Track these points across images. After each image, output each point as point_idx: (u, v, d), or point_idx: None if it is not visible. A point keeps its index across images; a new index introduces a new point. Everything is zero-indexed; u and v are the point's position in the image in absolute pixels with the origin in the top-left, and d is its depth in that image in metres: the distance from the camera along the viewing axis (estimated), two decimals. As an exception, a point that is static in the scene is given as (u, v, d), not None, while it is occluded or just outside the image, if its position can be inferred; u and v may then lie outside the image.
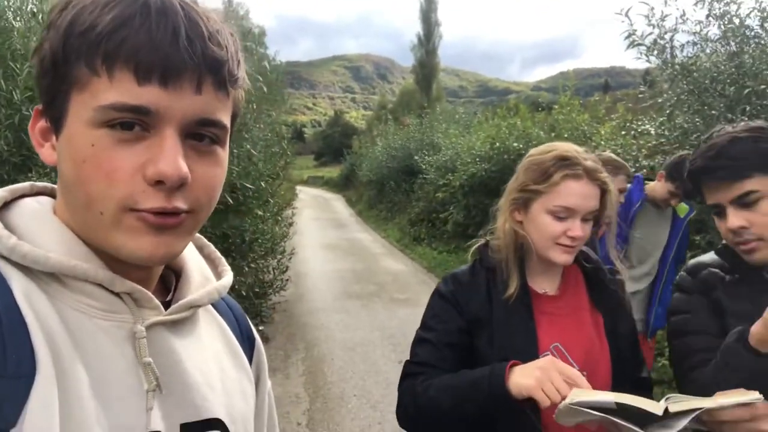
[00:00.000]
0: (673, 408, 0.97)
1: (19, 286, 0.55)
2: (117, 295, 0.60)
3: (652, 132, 5.30)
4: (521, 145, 9.03)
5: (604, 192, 1.28)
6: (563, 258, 1.28)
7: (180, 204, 0.57)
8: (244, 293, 4.88)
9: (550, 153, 1.29)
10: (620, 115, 7.41)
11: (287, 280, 6.68)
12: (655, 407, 0.97)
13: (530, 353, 1.23)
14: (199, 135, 0.58)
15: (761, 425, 0.98)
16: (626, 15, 4.43)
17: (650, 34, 4.42)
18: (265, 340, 5.97)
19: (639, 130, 6.14)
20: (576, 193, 1.25)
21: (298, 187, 34.41)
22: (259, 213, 4.90)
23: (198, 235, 0.76)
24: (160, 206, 0.55)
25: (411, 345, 1.36)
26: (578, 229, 1.25)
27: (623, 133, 6.70)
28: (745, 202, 1.19)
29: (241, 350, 0.76)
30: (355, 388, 4.68)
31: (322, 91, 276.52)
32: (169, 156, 0.54)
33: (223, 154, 0.62)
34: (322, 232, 14.63)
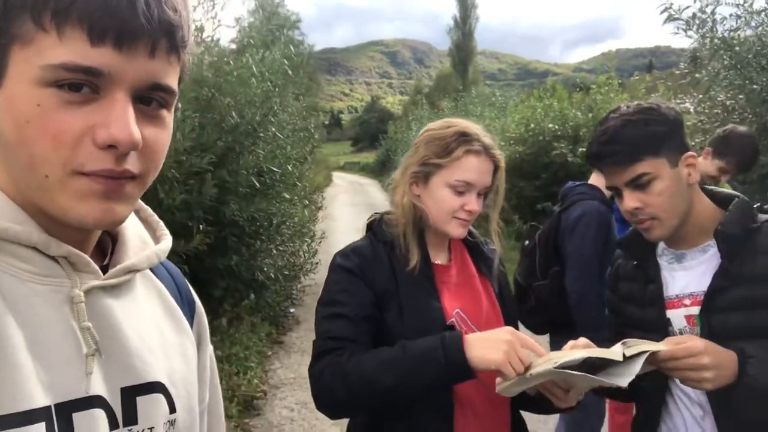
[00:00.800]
0: (628, 352, 1.06)
1: None
2: (53, 259, 0.58)
3: (692, 110, 5.08)
4: (557, 126, 8.83)
5: (496, 168, 1.34)
6: (459, 231, 1.32)
7: (130, 167, 0.56)
8: (272, 275, 4.94)
9: (451, 128, 1.32)
10: (660, 94, 7.14)
11: (317, 263, 6.74)
12: (616, 354, 1.05)
13: (439, 322, 1.26)
14: (147, 99, 0.57)
15: (700, 360, 1.09)
16: (664, -14, 4.23)
17: (688, 7, 4.22)
18: (296, 321, 6.05)
19: (678, 109, 5.90)
20: (475, 168, 1.29)
21: (335, 173, 34.68)
22: (287, 196, 4.94)
23: None
24: (108, 168, 0.54)
25: (316, 324, 1.30)
26: (474, 203, 1.30)
27: (661, 111, 6.43)
28: (639, 183, 1.26)
29: (182, 314, 0.74)
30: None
31: (359, 77, 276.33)
32: (122, 120, 0.53)
33: (169, 117, 0.61)
34: (357, 217, 14.62)
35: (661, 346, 1.11)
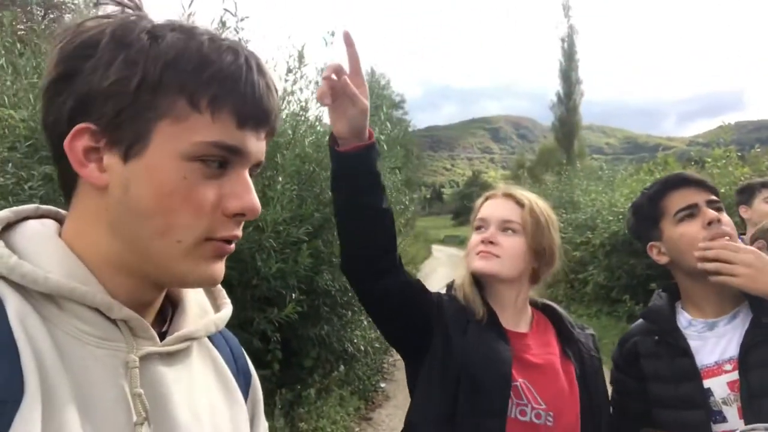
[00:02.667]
0: None
1: (14, 307, 0.54)
2: (113, 322, 0.59)
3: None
4: (669, 202, 8.29)
5: (522, 206, 1.38)
6: (478, 264, 1.35)
7: (240, 233, 0.63)
8: (363, 348, 4.91)
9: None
10: (787, 168, 6.53)
11: (410, 337, 6.63)
12: None
13: (506, 374, 1.24)
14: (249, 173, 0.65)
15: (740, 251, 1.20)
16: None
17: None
18: (385, 397, 5.90)
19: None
20: (488, 206, 1.42)
21: (435, 246, 34.75)
22: (380, 268, 4.96)
23: None
24: (233, 235, 0.62)
25: None
26: (489, 233, 1.36)
27: (789, 186, 5.87)
28: (716, 207, 1.33)
29: (236, 386, 0.73)
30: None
31: (460, 152, 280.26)
32: (250, 192, 0.61)
33: None
34: (454, 292, 14.38)
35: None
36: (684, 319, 1.38)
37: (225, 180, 0.60)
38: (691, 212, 1.33)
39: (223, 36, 0.62)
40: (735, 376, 1.25)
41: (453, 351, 1.26)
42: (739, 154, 8.34)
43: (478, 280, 1.38)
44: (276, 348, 3.78)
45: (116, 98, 0.56)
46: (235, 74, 0.59)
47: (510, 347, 1.28)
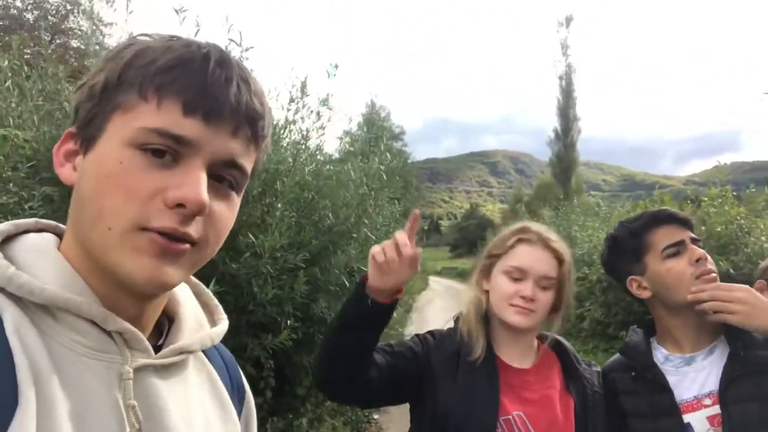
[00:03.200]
0: None
1: (11, 318, 0.55)
2: (108, 334, 0.60)
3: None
4: (665, 239, 8.33)
5: (561, 262, 1.38)
6: (516, 318, 1.34)
7: (192, 231, 0.58)
8: (357, 378, 4.85)
9: (513, 227, 1.44)
10: (783, 208, 6.59)
11: (405, 369, 6.56)
12: None
13: (491, 410, 1.26)
14: (220, 177, 0.61)
15: (734, 290, 1.24)
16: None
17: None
18: (378, 429, 5.82)
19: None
20: (527, 254, 1.37)
21: (432, 278, 34.61)
22: (376, 297, 4.94)
23: (196, 281, 0.76)
24: (172, 226, 0.57)
25: None
26: (530, 290, 1.33)
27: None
28: (697, 244, 1.36)
29: (230, 402, 0.73)
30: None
31: (458, 185, 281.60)
32: (194, 182, 0.57)
33: (237, 201, 0.65)
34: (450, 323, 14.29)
35: None
36: (660, 354, 1.39)
37: (172, 172, 0.58)
38: (678, 249, 1.35)
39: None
40: (715, 410, 1.26)
41: (438, 402, 1.28)
42: (735, 193, 8.42)
43: (487, 317, 1.40)
44: (269, 375, 3.74)
45: (88, 102, 0.60)
46: (186, 63, 0.58)
47: (498, 386, 1.30)
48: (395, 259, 1.14)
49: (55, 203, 2.80)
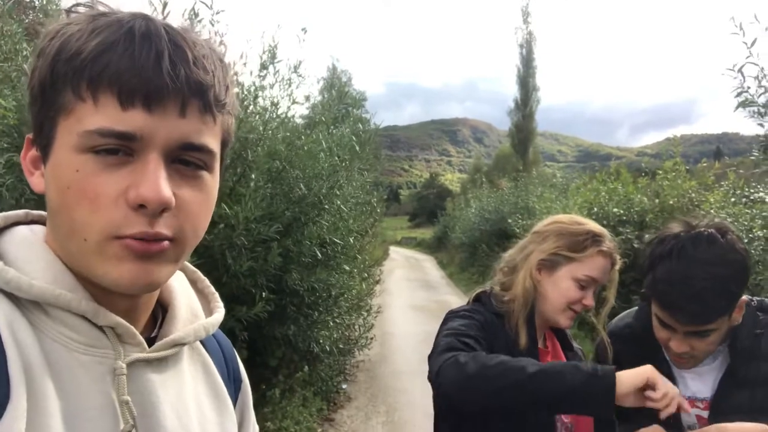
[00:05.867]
0: None
1: (3, 312, 0.54)
2: (100, 328, 0.58)
3: (767, 200, 4.85)
4: (622, 211, 8.59)
5: (613, 266, 1.41)
6: (568, 323, 1.40)
7: (162, 230, 0.55)
8: (328, 348, 4.89)
9: (583, 227, 1.41)
10: (730, 182, 6.88)
11: (372, 338, 6.64)
12: None
13: None
14: (185, 160, 0.57)
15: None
16: (739, 71, 4.16)
17: (764, 93, 4.12)
18: (347, 398, 5.90)
19: (752, 197, 5.65)
20: (602, 267, 1.38)
21: (392, 248, 34.90)
22: (347, 268, 4.96)
23: (193, 268, 0.74)
24: (142, 231, 0.54)
25: (442, 338, 1.27)
26: (590, 299, 1.38)
27: (733, 200, 6.21)
28: (699, 335, 1.25)
29: (226, 392, 0.72)
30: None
31: (418, 153, 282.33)
32: (151, 179, 0.54)
33: (212, 181, 0.61)
34: (412, 293, 14.54)
35: None
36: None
37: (130, 168, 0.54)
38: (667, 326, 1.30)
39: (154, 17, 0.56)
40: (704, 414, 1.31)
41: None
42: (687, 167, 8.71)
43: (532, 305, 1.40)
44: (242, 347, 3.73)
45: (34, 106, 0.57)
46: (111, 48, 0.53)
47: None
48: (663, 409, 1.09)
49: (20, 170, 2.66)
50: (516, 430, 1.27)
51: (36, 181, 0.60)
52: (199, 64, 0.56)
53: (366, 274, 6.56)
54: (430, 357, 1.27)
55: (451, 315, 1.37)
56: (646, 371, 1.09)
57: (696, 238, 1.22)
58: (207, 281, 0.76)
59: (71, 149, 0.54)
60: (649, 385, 1.09)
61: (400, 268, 22.12)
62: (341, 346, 5.61)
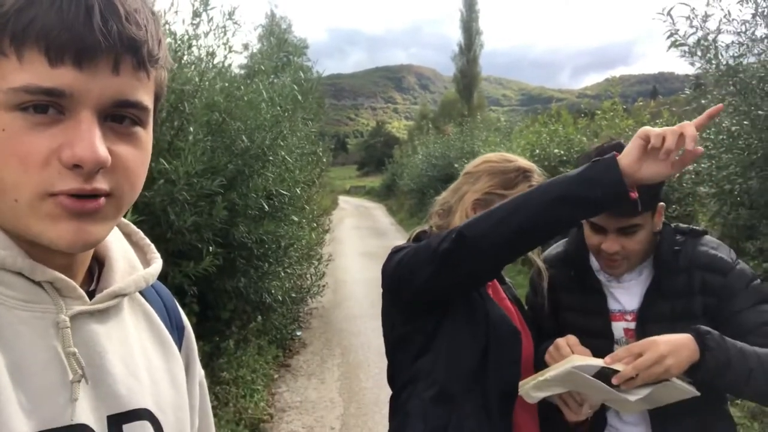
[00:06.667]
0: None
1: None
2: (38, 284, 0.58)
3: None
4: (562, 152, 8.87)
5: None
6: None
7: (100, 185, 0.55)
8: (280, 298, 4.95)
9: (512, 164, 1.44)
10: (665, 120, 7.19)
11: (324, 286, 6.74)
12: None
13: (513, 322, 1.39)
14: (119, 116, 0.56)
15: (655, 351, 1.18)
16: (668, 14, 4.29)
17: (693, 33, 4.28)
18: (302, 345, 6.03)
19: (683, 133, 5.93)
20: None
21: (341, 197, 34.91)
22: (295, 219, 4.97)
23: (125, 221, 0.74)
24: (77, 188, 0.53)
25: (411, 263, 1.30)
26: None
27: (666, 137, 6.49)
28: (628, 231, 1.36)
29: (170, 338, 0.73)
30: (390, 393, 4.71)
31: (364, 102, 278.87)
32: (86, 139, 0.52)
33: (146, 136, 0.60)
34: (362, 241, 14.70)
35: (620, 366, 1.19)
36: (595, 264, 1.51)
37: (62, 127, 0.53)
38: (599, 229, 1.39)
39: None
40: (632, 325, 1.43)
41: (476, 309, 1.35)
42: (625, 107, 9.02)
43: None
44: (192, 302, 3.73)
45: None
46: (34, 3, 0.51)
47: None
48: (671, 150, 1.03)
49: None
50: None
51: None
52: (132, 19, 0.54)
53: (315, 224, 6.59)
54: (404, 267, 1.31)
55: (399, 249, 1.40)
56: (638, 133, 1.07)
57: (617, 144, 1.32)
58: (141, 233, 0.75)
59: None
60: (647, 141, 1.05)
61: (350, 216, 22.23)
62: (294, 295, 5.67)
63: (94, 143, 0.53)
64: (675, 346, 1.18)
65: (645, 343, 1.19)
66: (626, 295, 1.46)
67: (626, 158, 1.07)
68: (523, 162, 1.46)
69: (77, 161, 0.52)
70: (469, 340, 1.34)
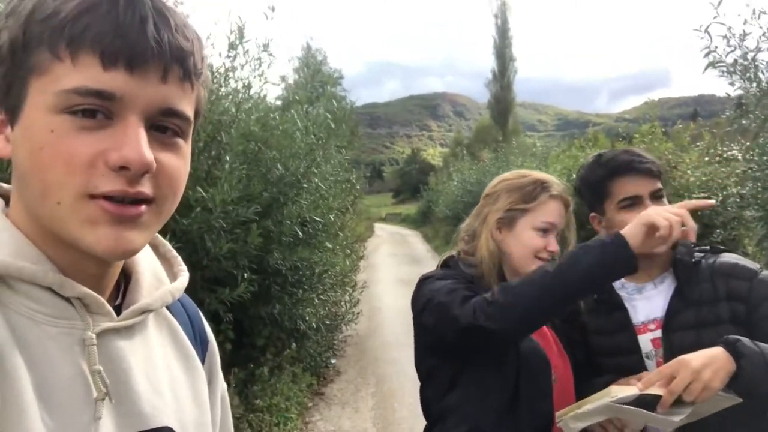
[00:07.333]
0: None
1: None
2: (67, 300, 0.58)
3: (740, 157, 4.96)
4: (599, 176, 8.71)
5: (567, 208, 1.46)
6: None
7: (144, 189, 0.55)
8: (315, 325, 4.95)
9: (528, 177, 1.45)
10: (706, 143, 7.01)
11: (359, 313, 6.72)
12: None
13: (543, 353, 1.36)
14: (162, 127, 0.57)
15: (688, 367, 1.15)
16: (706, 31, 4.21)
17: (732, 51, 4.18)
18: (337, 372, 5.99)
19: (725, 156, 5.77)
20: (557, 210, 1.42)
21: (377, 224, 34.99)
22: (329, 246, 5.00)
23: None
24: (121, 189, 0.54)
25: (442, 297, 1.31)
26: (554, 244, 1.41)
27: (707, 159, 6.32)
28: (657, 196, 1.43)
29: (194, 352, 0.72)
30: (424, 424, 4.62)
31: (399, 130, 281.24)
32: (134, 141, 0.53)
33: (186, 148, 0.61)
34: (398, 268, 14.63)
35: (658, 390, 1.17)
36: (617, 281, 1.50)
37: (109, 132, 0.54)
38: (633, 202, 1.43)
39: None
40: (657, 334, 1.42)
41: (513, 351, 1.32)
42: (664, 130, 8.83)
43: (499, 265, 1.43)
44: (228, 328, 3.77)
45: (0, 67, 0.55)
46: (93, 9, 0.53)
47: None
48: (674, 239, 1.17)
49: None
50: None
51: (0, 146, 0.58)
52: (180, 31, 0.56)
53: (349, 251, 6.61)
54: (429, 315, 1.33)
55: (429, 278, 1.41)
56: (641, 217, 1.19)
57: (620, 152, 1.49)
58: (169, 245, 0.75)
59: (46, 109, 0.53)
60: (652, 228, 1.17)
61: (386, 243, 22.23)
62: (328, 322, 5.67)
63: (141, 146, 0.54)
64: (707, 358, 1.16)
65: (674, 364, 1.17)
66: (648, 306, 1.46)
67: (633, 240, 1.18)
68: (538, 174, 1.47)
69: (124, 163, 0.53)
70: (498, 373, 1.31)
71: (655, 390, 1.15)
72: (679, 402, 1.14)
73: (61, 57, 0.53)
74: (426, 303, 1.35)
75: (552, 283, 1.19)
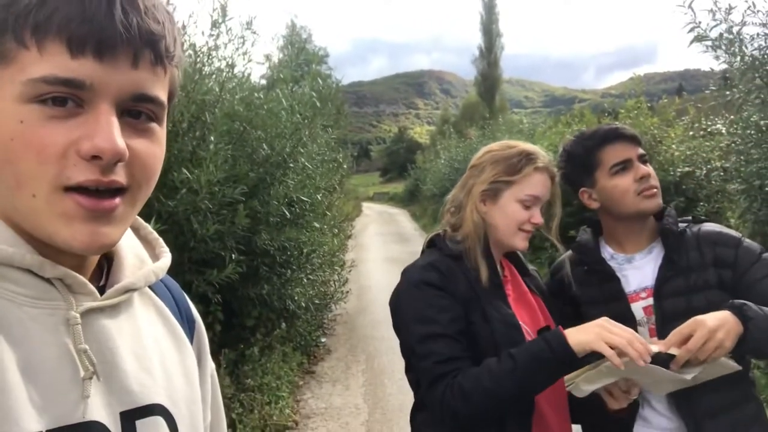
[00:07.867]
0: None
1: None
2: (48, 281, 0.57)
3: (724, 131, 5.00)
4: (586, 152, 8.74)
5: (553, 180, 1.45)
6: (524, 244, 1.42)
7: (117, 177, 0.54)
8: (304, 304, 4.97)
9: (514, 149, 1.43)
10: (690, 117, 7.05)
11: (348, 292, 6.75)
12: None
13: (517, 328, 1.35)
14: (135, 112, 0.56)
15: (705, 327, 1.20)
16: (689, 7, 4.21)
17: (717, 25, 4.18)
18: (327, 351, 6.04)
19: (709, 130, 5.81)
20: (541, 183, 1.41)
21: (364, 204, 35.01)
22: (317, 225, 4.99)
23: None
24: (94, 179, 0.53)
25: (412, 343, 1.34)
26: (538, 216, 1.41)
27: (691, 133, 6.37)
28: (644, 159, 1.50)
29: (182, 331, 0.72)
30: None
31: (385, 108, 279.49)
32: (105, 130, 0.52)
33: (161, 132, 0.60)
34: (386, 247, 14.69)
35: (674, 350, 1.23)
36: (607, 252, 1.59)
37: (80, 120, 0.53)
38: (624, 166, 1.48)
39: None
40: (649, 302, 1.47)
41: (481, 338, 1.33)
42: (649, 105, 8.85)
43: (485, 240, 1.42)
44: (217, 309, 3.77)
45: None
46: None
47: (508, 301, 1.40)
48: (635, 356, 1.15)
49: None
50: None
51: None
52: (150, 14, 0.55)
53: (337, 230, 6.61)
54: (418, 382, 1.37)
55: (410, 286, 1.38)
56: (590, 341, 1.18)
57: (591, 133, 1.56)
58: (149, 228, 0.75)
59: (13, 99, 0.52)
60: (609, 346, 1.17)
61: (374, 223, 22.27)
62: (317, 301, 5.69)
63: (113, 135, 0.53)
64: (720, 320, 1.21)
65: (692, 323, 1.22)
66: (639, 275, 1.51)
67: (577, 346, 1.19)
68: (525, 145, 1.45)
69: (96, 152, 0.52)
70: (478, 354, 1.32)
71: (673, 350, 1.21)
72: (687, 364, 1.21)
73: (27, 45, 0.51)
74: (399, 328, 1.40)
75: (517, 393, 1.23)
